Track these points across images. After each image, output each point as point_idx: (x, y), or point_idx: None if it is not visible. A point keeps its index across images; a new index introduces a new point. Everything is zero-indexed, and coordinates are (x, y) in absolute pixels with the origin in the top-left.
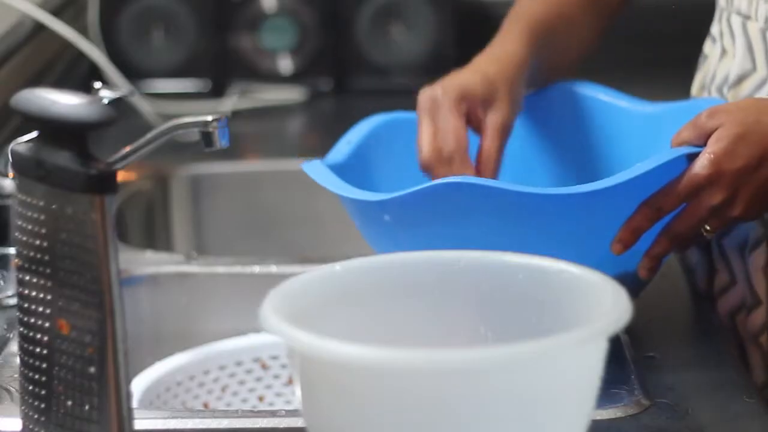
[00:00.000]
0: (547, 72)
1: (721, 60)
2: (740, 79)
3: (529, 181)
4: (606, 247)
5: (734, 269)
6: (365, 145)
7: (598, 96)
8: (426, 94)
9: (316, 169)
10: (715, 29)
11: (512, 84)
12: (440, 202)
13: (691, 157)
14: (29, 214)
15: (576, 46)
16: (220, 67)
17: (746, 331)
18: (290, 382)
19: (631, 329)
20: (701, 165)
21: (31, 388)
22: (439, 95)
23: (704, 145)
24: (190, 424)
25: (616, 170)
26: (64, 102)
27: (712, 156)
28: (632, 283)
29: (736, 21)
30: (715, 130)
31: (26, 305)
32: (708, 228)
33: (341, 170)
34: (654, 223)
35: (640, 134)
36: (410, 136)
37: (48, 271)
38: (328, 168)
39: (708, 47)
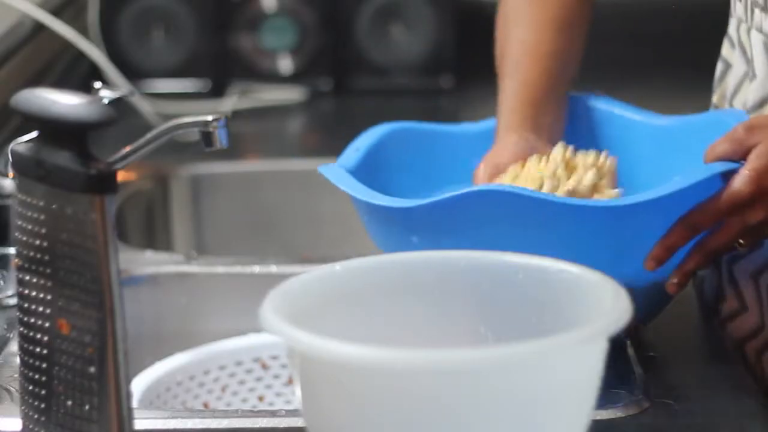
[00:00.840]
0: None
1: (744, 79)
2: (763, 102)
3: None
4: (634, 262)
5: (745, 296)
6: (373, 153)
7: (613, 110)
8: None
9: (335, 173)
10: (732, 32)
11: None
12: (468, 211)
13: (727, 174)
14: (29, 214)
15: (572, 72)
16: (220, 67)
17: (763, 360)
18: (290, 382)
19: (632, 330)
20: (742, 182)
21: (31, 388)
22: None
23: (742, 160)
24: (190, 424)
25: (633, 184)
26: (64, 102)
27: (753, 174)
28: (659, 298)
29: (756, 38)
30: (755, 146)
31: (26, 305)
32: (742, 242)
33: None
34: (690, 241)
35: (657, 148)
36: (419, 146)
37: (48, 271)
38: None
39: (726, 50)
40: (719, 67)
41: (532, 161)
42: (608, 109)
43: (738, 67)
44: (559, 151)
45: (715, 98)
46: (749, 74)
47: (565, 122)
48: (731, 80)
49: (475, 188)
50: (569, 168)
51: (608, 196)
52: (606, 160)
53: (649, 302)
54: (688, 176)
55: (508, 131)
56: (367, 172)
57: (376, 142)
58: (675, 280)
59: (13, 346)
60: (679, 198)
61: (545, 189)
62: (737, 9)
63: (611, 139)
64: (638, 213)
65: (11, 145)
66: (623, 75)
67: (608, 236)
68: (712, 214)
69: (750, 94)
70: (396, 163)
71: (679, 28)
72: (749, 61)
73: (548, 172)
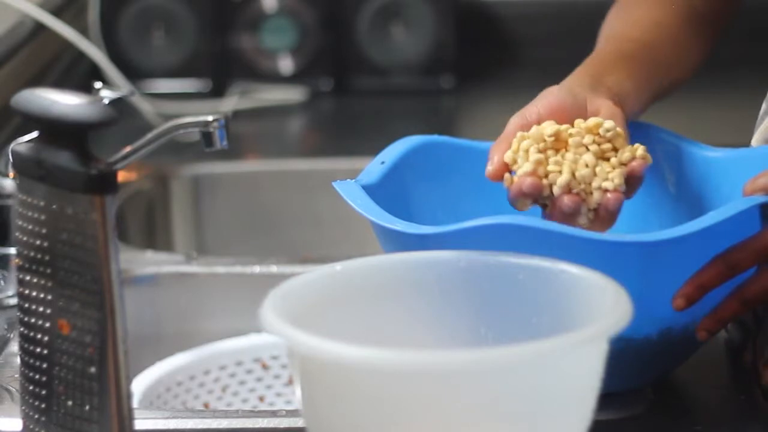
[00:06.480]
0: (649, 100)
1: None
2: None
3: None
4: (662, 303)
5: None
6: (399, 166)
7: (663, 139)
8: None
9: (349, 190)
10: None
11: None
12: (485, 241)
13: (766, 208)
14: (29, 214)
15: (676, 75)
16: (220, 67)
17: None
18: (290, 382)
19: None
20: None
21: (31, 388)
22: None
23: None
24: (191, 424)
25: (677, 216)
26: (64, 102)
27: None
28: (687, 345)
29: None
30: None
31: (26, 305)
32: None
33: (373, 192)
34: (726, 280)
35: (706, 180)
36: (448, 161)
37: (48, 271)
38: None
39: None
40: (763, 108)
41: (539, 128)
42: (656, 136)
43: None
44: (549, 127)
45: (754, 139)
46: None
47: (647, 97)
48: None
49: (492, 221)
50: (559, 143)
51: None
52: (605, 128)
53: (676, 349)
54: (723, 210)
55: (557, 85)
56: (392, 186)
57: (402, 155)
58: (708, 327)
59: (14, 346)
60: (712, 234)
61: (518, 169)
62: None
63: (661, 170)
64: (667, 249)
65: (11, 145)
66: None
67: (634, 274)
68: (753, 252)
69: None
70: (423, 179)
71: None
72: None
73: (526, 146)
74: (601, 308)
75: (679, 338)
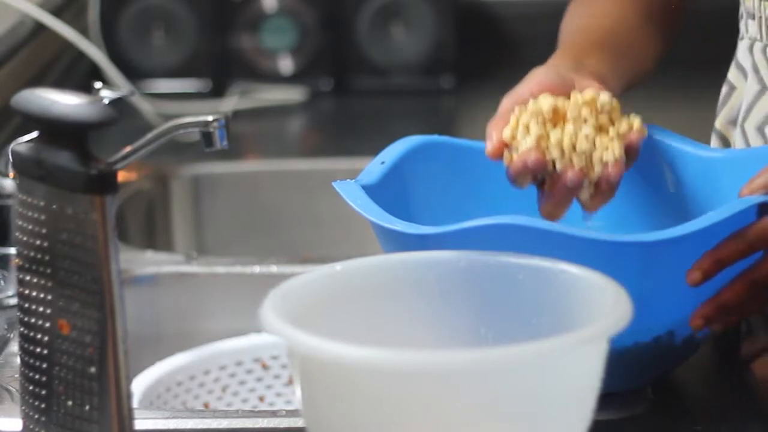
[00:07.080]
0: (622, 87)
1: (760, 96)
2: None
3: (584, 225)
4: (662, 302)
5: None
6: (399, 166)
7: (660, 138)
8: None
9: (349, 190)
10: (742, 55)
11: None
12: (484, 241)
13: (764, 207)
14: (29, 214)
15: (640, 65)
16: (220, 67)
17: None
18: (290, 382)
19: None
20: None
21: (31, 388)
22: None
23: None
24: (191, 424)
25: (671, 216)
26: (64, 102)
27: None
28: (686, 343)
29: None
30: None
31: (26, 305)
32: None
33: (373, 192)
34: (741, 258)
35: (705, 181)
36: (448, 160)
37: (48, 271)
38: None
39: (734, 76)
40: (724, 90)
41: (538, 101)
42: (655, 137)
43: (751, 87)
44: (546, 101)
45: (718, 122)
46: (765, 91)
47: (621, 82)
48: (743, 101)
49: (492, 221)
50: (557, 116)
51: (616, 139)
52: (602, 101)
53: (676, 349)
54: (722, 210)
55: (542, 66)
56: (392, 186)
57: (402, 155)
58: (705, 313)
59: (14, 346)
60: (711, 234)
61: (518, 145)
62: (750, 29)
63: (660, 169)
64: (667, 249)
65: (11, 145)
66: None
67: (634, 274)
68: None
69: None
70: (423, 179)
71: None
72: (761, 79)
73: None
74: (601, 308)
75: (679, 338)
